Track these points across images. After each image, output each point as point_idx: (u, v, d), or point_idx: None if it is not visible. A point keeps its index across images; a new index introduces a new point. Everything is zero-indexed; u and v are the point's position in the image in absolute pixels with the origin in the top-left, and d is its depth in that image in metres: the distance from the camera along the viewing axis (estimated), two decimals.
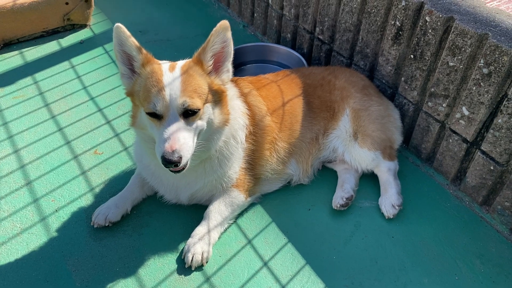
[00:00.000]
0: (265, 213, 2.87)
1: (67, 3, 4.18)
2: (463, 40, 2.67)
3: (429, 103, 3.03)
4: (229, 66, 2.41)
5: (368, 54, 3.35)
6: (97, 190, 2.92)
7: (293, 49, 4.00)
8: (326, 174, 3.13)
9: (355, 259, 2.62)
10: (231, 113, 2.53)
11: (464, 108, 2.81)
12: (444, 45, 2.79)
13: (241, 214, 2.84)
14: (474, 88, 2.70)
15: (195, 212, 2.80)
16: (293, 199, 2.96)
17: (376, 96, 3.13)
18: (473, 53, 2.65)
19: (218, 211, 2.66)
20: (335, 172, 3.13)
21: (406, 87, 3.15)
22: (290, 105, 2.92)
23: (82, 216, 2.76)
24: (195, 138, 2.30)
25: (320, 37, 3.74)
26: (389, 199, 2.86)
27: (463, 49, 2.68)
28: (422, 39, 2.90)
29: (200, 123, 2.30)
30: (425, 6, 2.83)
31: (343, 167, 3.07)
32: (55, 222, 2.71)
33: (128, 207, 2.77)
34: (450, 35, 2.72)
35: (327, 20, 3.60)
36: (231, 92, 2.61)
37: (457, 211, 2.93)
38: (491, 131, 2.69)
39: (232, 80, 2.71)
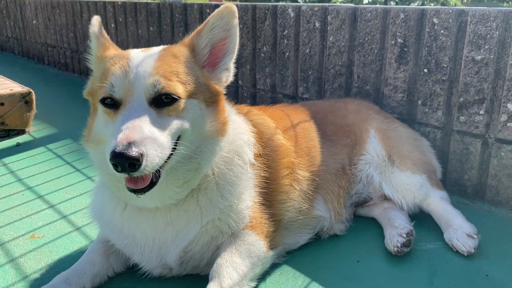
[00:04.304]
0: (297, 272, 1.92)
1: (2, 104, 3.52)
2: (485, 26, 2.32)
3: (461, 118, 2.50)
4: (230, 64, 1.80)
5: (369, 91, 2.90)
6: (35, 275, 1.87)
7: None
8: (363, 223, 2.32)
9: None
10: (230, 124, 1.82)
11: (509, 105, 2.30)
12: (463, 41, 2.42)
13: (262, 278, 1.87)
14: None
15: (193, 284, 1.81)
16: (332, 253, 2.07)
17: (397, 120, 2.57)
18: (502, 37, 2.28)
19: (231, 265, 1.70)
20: (374, 222, 2.33)
21: (426, 110, 2.64)
22: (302, 128, 2.27)
23: None
24: (171, 139, 1.55)
25: (306, 96, 3.30)
26: (461, 230, 2.08)
27: (488, 36, 2.32)
28: (434, 45, 2.53)
29: (179, 122, 1.58)
30: (428, 9, 2.54)
31: (383, 208, 2.30)
32: None
33: (86, 284, 1.73)
34: (468, 27, 2.38)
35: (312, 74, 3.21)
36: (227, 109, 1.94)
37: None
38: None
39: None
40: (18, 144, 3.47)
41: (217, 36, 1.74)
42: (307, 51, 3.21)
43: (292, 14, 3.23)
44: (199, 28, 1.73)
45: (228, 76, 1.82)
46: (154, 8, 4.57)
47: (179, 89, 1.58)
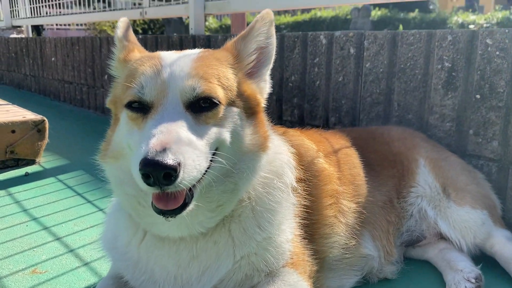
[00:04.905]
0: None
1: (13, 131, 3.32)
2: None
3: None
4: (266, 76, 1.62)
5: (412, 120, 2.65)
6: None
7: None
8: (415, 265, 2.00)
9: None
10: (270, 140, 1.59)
11: None
12: None
13: None
14: None
15: None
16: None
17: (446, 149, 2.30)
18: None
19: None
20: (427, 265, 2.00)
21: (480, 140, 2.37)
22: (344, 153, 2.00)
23: None
24: (209, 150, 1.30)
25: (338, 127, 3.05)
26: None
27: None
28: (488, 68, 2.29)
29: (217, 131, 1.35)
30: (480, 30, 2.33)
31: (439, 249, 1.99)
32: None
33: None
34: None
35: (345, 103, 2.98)
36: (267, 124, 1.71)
37: None
38: None
39: None
40: (26, 174, 3.23)
41: (260, 43, 1.56)
42: (340, 79, 2.99)
43: (324, 41, 3.04)
44: (242, 33, 1.55)
45: (265, 87, 1.64)
46: (176, 40, 4.46)
47: (220, 93, 1.36)
